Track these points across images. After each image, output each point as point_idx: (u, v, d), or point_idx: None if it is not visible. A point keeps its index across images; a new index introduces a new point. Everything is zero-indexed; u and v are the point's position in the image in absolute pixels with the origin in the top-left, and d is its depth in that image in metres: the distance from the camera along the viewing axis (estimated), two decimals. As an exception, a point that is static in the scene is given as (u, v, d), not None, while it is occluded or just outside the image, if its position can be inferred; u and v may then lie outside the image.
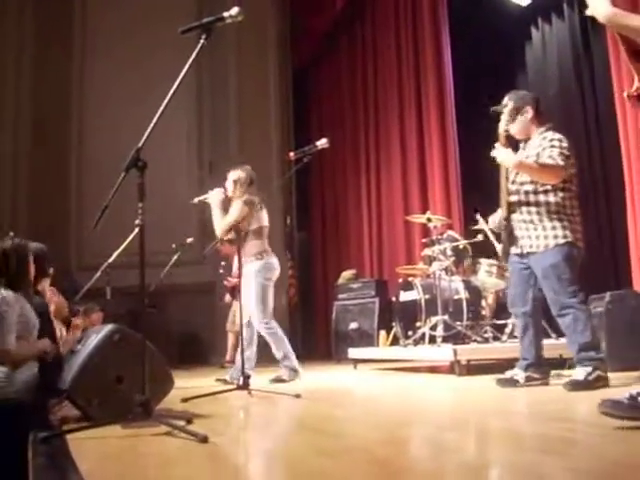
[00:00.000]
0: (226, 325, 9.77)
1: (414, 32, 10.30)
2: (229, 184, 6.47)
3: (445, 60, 9.60)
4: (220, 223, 6.25)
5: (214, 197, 6.35)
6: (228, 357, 9.50)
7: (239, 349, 5.76)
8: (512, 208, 4.77)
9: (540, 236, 4.64)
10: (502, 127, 4.72)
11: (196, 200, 6.38)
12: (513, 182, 4.78)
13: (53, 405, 3.98)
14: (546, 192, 4.65)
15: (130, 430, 3.20)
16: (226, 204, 6.41)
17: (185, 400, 4.61)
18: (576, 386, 4.33)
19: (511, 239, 4.80)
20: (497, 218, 5.02)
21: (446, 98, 9.55)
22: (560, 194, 4.65)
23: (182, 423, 3.31)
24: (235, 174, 6.51)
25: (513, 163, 4.60)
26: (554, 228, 4.61)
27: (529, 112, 4.84)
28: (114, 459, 2.68)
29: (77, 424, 3.61)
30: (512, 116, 4.74)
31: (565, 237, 4.59)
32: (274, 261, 6.44)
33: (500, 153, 4.68)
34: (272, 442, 3.05)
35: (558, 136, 4.69)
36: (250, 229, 6.38)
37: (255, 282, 6.23)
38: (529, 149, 4.80)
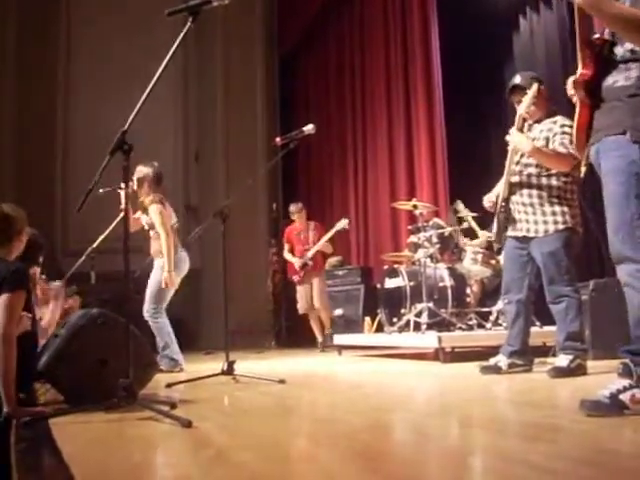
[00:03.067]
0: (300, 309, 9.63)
1: (402, 18, 10.26)
2: (135, 180, 6.45)
3: (433, 48, 9.57)
4: (165, 243, 6.31)
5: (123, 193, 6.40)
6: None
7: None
8: (512, 189, 4.76)
9: (539, 221, 4.64)
10: (524, 109, 4.62)
11: (101, 191, 6.36)
12: (517, 163, 4.76)
13: (36, 389, 3.97)
14: (549, 176, 4.65)
15: (114, 414, 3.20)
16: (133, 199, 6.48)
17: (169, 385, 4.62)
18: (559, 373, 4.39)
19: (508, 221, 4.79)
20: (493, 197, 4.98)
21: (434, 85, 9.53)
22: (562, 179, 4.65)
23: (166, 408, 3.31)
24: (141, 171, 6.51)
25: (529, 149, 4.56)
26: (554, 213, 4.61)
27: (544, 93, 4.79)
28: (98, 443, 2.68)
29: (60, 408, 3.61)
30: (535, 97, 4.64)
31: (565, 223, 4.60)
32: (183, 256, 6.58)
33: (516, 138, 4.64)
34: (255, 427, 3.05)
35: (569, 122, 4.61)
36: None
37: (160, 274, 6.33)
38: (535, 131, 4.76)
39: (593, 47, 2.98)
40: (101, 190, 6.32)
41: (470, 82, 9.17)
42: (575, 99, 3.09)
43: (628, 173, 2.79)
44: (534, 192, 4.68)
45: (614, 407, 2.65)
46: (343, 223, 9.12)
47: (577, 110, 3.08)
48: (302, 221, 9.47)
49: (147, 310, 6.37)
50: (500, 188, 4.87)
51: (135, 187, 6.46)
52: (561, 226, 4.60)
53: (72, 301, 8.00)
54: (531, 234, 4.67)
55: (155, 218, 6.37)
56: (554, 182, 4.65)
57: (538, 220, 4.64)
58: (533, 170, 4.69)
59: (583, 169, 3.12)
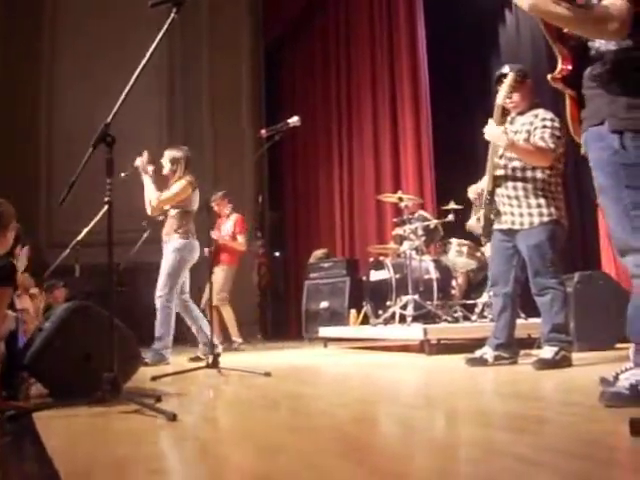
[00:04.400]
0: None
1: (388, 11, 10.26)
2: (166, 162, 6.49)
3: (419, 41, 9.57)
4: (157, 196, 6.38)
5: (143, 164, 6.40)
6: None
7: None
8: (497, 182, 4.76)
9: (524, 213, 4.64)
10: (502, 98, 4.63)
11: (123, 175, 6.34)
12: (501, 156, 4.75)
13: (20, 382, 3.94)
14: (534, 169, 4.65)
15: (99, 408, 3.18)
16: (159, 182, 6.48)
17: (154, 378, 4.60)
18: (544, 365, 4.41)
19: (493, 215, 4.80)
20: (479, 189, 4.99)
21: (419, 78, 9.53)
22: (547, 171, 4.66)
23: (151, 401, 3.30)
24: (172, 153, 6.56)
25: (505, 143, 4.55)
26: (539, 205, 4.62)
27: (529, 85, 4.80)
28: (82, 437, 2.66)
29: (45, 402, 3.59)
30: (513, 87, 4.63)
31: (550, 215, 4.61)
32: (196, 244, 6.55)
33: (492, 131, 4.62)
34: (241, 420, 3.05)
35: (550, 115, 4.67)
36: (182, 210, 6.43)
37: (173, 256, 6.31)
38: (517, 124, 4.76)
39: (566, 40, 2.96)
40: (122, 174, 6.36)
41: (456, 75, 9.17)
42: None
43: (613, 164, 2.78)
44: (519, 185, 4.68)
45: (634, 398, 2.65)
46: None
47: (567, 103, 3.08)
48: (220, 210, 8.76)
49: (159, 294, 6.32)
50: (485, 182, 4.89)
51: (166, 170, 6.54)
52: (546, 218, 4.61)
53: (58, 292, 7.98)
54: (516, 226, 4.68)
55: (174, 188, 6.40)
56: (539, 175, 4.65)
57: (523, 213, 4.65)
58: (518, 163, 4.69)
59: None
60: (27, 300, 5.71)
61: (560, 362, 4.44)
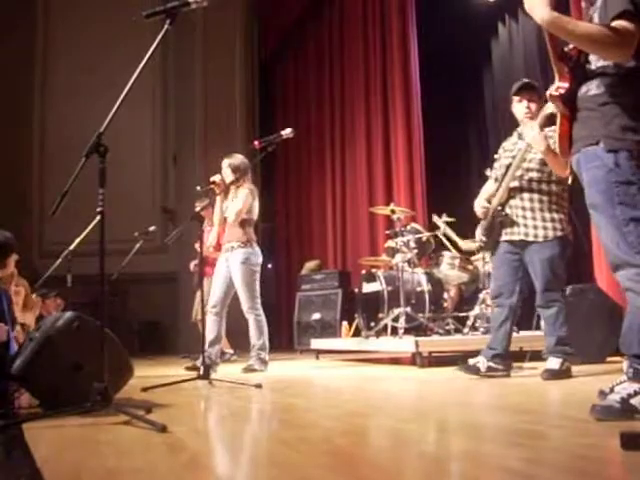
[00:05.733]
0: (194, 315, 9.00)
1: (381, 23, 10.30)
2: (228, 170, 6.46)
3: (412, 54, 9.61)
4: (235, 211, 6.37)
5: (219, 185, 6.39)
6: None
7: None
8: (511, 194, 4.80)
9: (539, 226, 4.69)
10: (551, 107, 4.57)
11: (198, 188, 6.34)
12: (518, 167, 4.78)
13: (12, 392, 3.92)
14: (549, 182, 4.73)
15: (89, 419, 3.16)
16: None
17: (145, 389, 4.58)
18: (552, 375, 4.51)
19: (503, 226, 4.82)
20: (484, 202, 4.96)
21: (412, 91, 9.56)
22: (560, 186, 4.74)
23: (141, 412, 3.28)
24: (235, 161, 6.55)
25: (543, 148, 4.50)
26: (553, 220, 4.70)
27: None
28: (71, 448, 2.64)
29: (34, 412, 3.57)
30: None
31: (563, 230, 4.70)
32: (258, 250, 6.52)
33: (533, 133, 4.55)
34: (231, 432, 3.04)
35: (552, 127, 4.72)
36: (244, 217, 6.43)
37: (242, 269, 6.27)
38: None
39: (568, 59, 2.99)
40: (198, 187, 6.35)
41: (449, 88, 9.21)
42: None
43: (607, 181, 2.81)
44: (535, 197, 4.74)
45: (625, 412, 2.65)
46: None
47: (558, 120, 3.10)
48: (208, 219, 8.06)
49: (249, 307, 6.33)
50: (487, 191, 4.96)
51: (230, 178, 6.45)
52: (559, 233, 4.69)
53: (50, 302, 7.95)
54: (530, 238, 4.71)
55: (241, 198, 6.40)
56: (553, 188, 4.74)
57: (538, 225, 4.70)
58: (534, 175, 4.74)
59: (570, 177, 3.12)
60: (29, 315, 5.69)
61: (566, 372, 4.57)
